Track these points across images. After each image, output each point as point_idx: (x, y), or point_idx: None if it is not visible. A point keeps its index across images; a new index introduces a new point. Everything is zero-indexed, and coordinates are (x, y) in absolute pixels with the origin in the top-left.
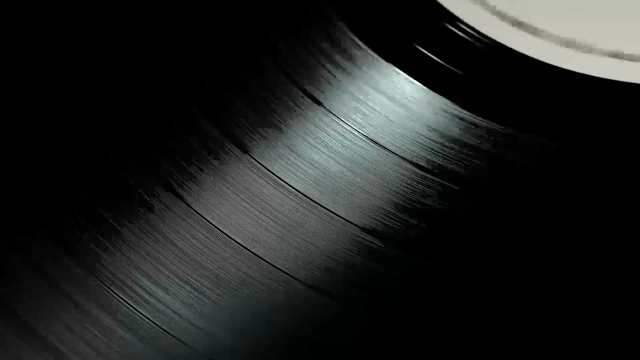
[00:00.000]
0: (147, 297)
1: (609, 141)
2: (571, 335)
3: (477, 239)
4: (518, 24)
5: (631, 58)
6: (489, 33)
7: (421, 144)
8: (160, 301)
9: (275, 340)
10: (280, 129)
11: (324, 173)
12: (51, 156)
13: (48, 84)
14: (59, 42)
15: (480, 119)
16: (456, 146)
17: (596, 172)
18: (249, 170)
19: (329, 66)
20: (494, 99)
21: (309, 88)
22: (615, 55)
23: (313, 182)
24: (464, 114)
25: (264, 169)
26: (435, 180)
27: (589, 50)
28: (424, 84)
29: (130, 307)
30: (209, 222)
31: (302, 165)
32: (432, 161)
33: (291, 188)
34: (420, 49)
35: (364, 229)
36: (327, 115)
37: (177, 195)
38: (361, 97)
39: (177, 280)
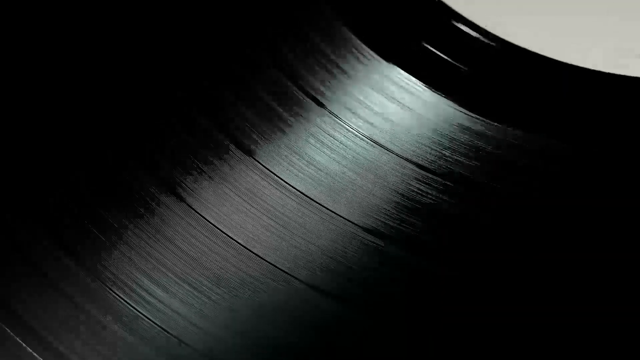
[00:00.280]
0: (147, 297)
1: (615, 140)
2: (571, 335)
3: (477, 239)
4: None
5: None
6: (492, 30)
7: (422, 143)
8: (160, 301)
9: (276, 340)
10: (281, 130)
11: (325, 173)
12: (51, 156)
13: (48, 84)
14: (59, 42)
15: (482, 118)
16: (458, 146)
17: (597, 171)
18: (250, 171)
19: (329, 66)
20: (496, 99)
21: (310, 88)
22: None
23: (314, 182)
24: (466, 113)
25: (265, 169)
26: (436, 180)
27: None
28: (425, 84)
29: (130, 307)
30: (209, 222)
31: (303, 166)
32: (434, 161)
33: (292, 188)
34: (422, 49)
35: (364, 229)
36: (329, 116)
37: (178, 195)
38: (362, 98)
39: (177, 280)
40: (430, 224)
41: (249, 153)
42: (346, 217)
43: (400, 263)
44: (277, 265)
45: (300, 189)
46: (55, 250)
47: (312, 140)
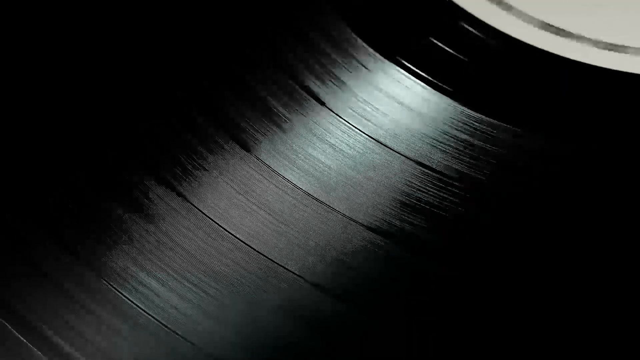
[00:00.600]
0: (147, 292)
1: (616, 138)
2: (571, 335)
3: (478, 238)
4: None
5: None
6: (496, 26)
7: (422, 142)
8: (159, 296)
9: (274, 337)
10: (281, 127)
11: (326, 171)
12: (51, 155)
13: (48, 84)
14: (59, 42)
15: (483, 117)
16: (459, 145)
17: (598, 171)
18: (250, 168)
19: (329, 65)
20: (498, 98)
21: (311, 87)
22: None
23: (313, 180)
24: (466, 112)
25: (265, 167)
26: (438, 179)
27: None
28: (426, 83)
29: (131, 304)
30: (208, 218)
31: (304, 164)
32: (434, 159)
33: (291, 185)
34: (422, 47)
35: (366, 227)
36: (329, 113)
37: (177, 192)
38: (363, 96)
39: (176, 275)
40: (430, 222)
41: (249, 150)
42: (346, 215)
43: (400, 262)
44: (275, 260)
45: (300, 186)
46: (55, 250)
47: (312, 138)
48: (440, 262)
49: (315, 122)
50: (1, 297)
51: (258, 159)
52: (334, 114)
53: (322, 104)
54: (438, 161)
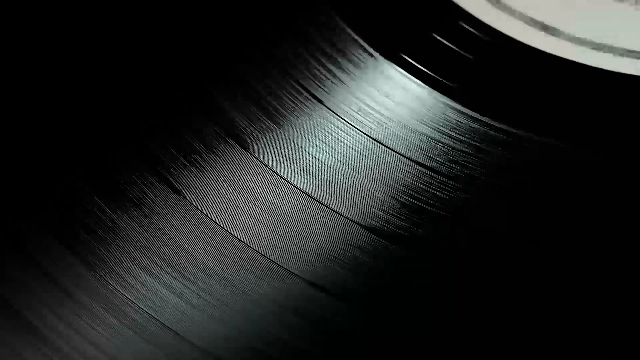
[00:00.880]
0: (146, 292)
1: (616, 139)
2: (571, 335)
3: (478, 239)
4: (533, 22)
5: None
6: (492, 25)
7: (422, 141)
8: (158, 295)
9: (274, 336)
10: (281, 128)
11: (325, 171)
12: (51, 155)
13: (49, 83)
14: (60, 42)
15: (483, 117)
16: (458, 144)
17: (598, 171)
18: (249, 167)
19: (328, 64)
20: (497, 98)
21: (310, 86)
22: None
23: (313, 180)
24: (466, 112)
25: (264, 167)
26: (436, 179)
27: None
28: (425, 82)
29: (130, 303)
30: (207, 216)
31: (303, 163)
32: (433, 159)
33: (290, 185)
34: (422, 46)
35: (364, 227)
36: (328, 113)
37: (178, 192)
38: (362, 96)
39: (175, 274)
40: (430, 222)
41: (248, 150)
42: (346, 215)
43: (400, 261)
44: (273, 260)
45: (298, 186)
46: (55, 250)
47: (312, 138)
48: (440, 262)
49: (313, 121)
50: (1, 297)
51: (255, 157)
52: (332, 113)
53: (320, 102)
54: (437, 161)
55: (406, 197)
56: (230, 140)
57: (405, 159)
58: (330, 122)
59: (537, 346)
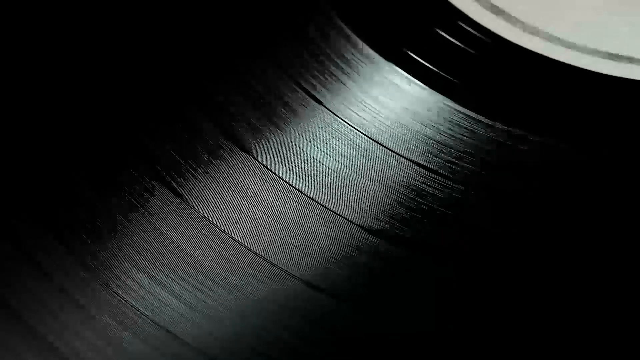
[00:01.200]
0: (145, 294)
1: (614, 140)
2: (571, 335)
3: (478, 239)
4: (521, 23)
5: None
6: (491, 28)
7: (421, 142)
8: (158, 298)
9: (274, 338)
10: (280, 128)
11: (324, 172)
12: (51, 155)
13: (49, 84)
14: (60, 43)
15: (482, 117)
16: (458, 144)
17: (597, 171)
18: (248, 169)
19: (328, 65)
20: (495, 97)
21: (310, 87)
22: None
23: (313, 181)
24: (465, 113)
25: (263, 167)
26: (436, 179)
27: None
28: (424, 83)
29: (131, 307)
30: (207, 220)
31: (303, 164)
32: (433, 159)
33: (289, 186)
34: (421, 46)
35: (365, 228)
36: (327, 114)
37: (177, 194)
38: (362, 97)
39: (176, 278)
40: (429, 223)
41: (247, 151)
42: (346, 217)
43: (399, 262)
44: (274, 262)
45: (298, 187)
46: (56, 250)
47: (312, 139)
48: (440, 263)
49: (313, 123)
50: (1, 297)
51: (255, 158)
52: (332, 114)
53: (320, 102)
54: (437, 161)
55: (406, 198)
56: (229, 142)
57: (405, 160)
58: (330, 123)
59: (538, 346)
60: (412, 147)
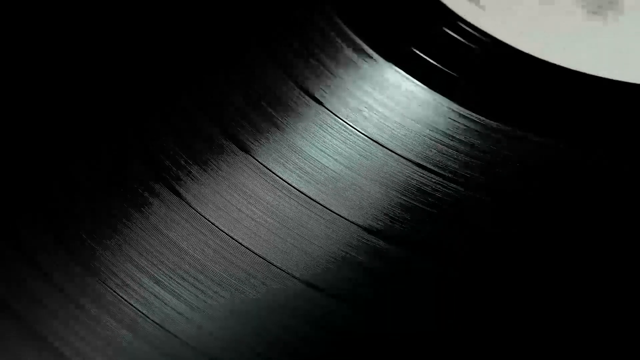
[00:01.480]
0: (145, 294)
1: (611, 141)
2: (571, 335)
3: (478, 239)
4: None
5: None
6: (489, 30)
7: (422, 143)
8: (158, 298)
9: (274, 338)
10: (280, 128)
11: (324, 172)
12: (51, 155)
13: (49, 84)
14: (60, 43)
15: (481, 117)
16: (457, 145)
17: (596, 171)
18: (248, 168)
19: (328, 65)
20: (495, 97)
21: (310, 87)
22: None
23: (313, 181)
24: (464, 113)
25: (262, 167)
26: (435, 180)
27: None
28: (424, 83)
29: (131, 307)
30: (207, 220)
31: (302, 164)
32: (433, 160)
33: (289, 186)
34: (421, 47)
35: (364, 228)
36: (328, 114)
37: (177, 193)
38: (362, 97)
39: (176, 278)
40: (429, 223)
41: (247, 151)
42: (345, 216)
43: (400, 262)
44: (273, 262)
45: (297, 187)
46: (56, 250)
47: (312, 139)
48: (440, 263)
49: (313, 123)
50: (1, 297)
51: (254, 158)
52: (331, 114)
53: (320, 103)
54: (436, 162)
55: (406, 198)
56: (229, 142)
57: (404, 160)
58: (330, 124)
59: (538, 346)
60: (412, 147)
